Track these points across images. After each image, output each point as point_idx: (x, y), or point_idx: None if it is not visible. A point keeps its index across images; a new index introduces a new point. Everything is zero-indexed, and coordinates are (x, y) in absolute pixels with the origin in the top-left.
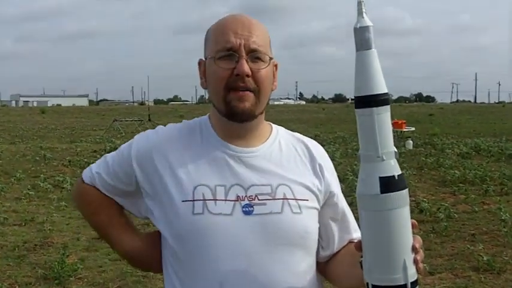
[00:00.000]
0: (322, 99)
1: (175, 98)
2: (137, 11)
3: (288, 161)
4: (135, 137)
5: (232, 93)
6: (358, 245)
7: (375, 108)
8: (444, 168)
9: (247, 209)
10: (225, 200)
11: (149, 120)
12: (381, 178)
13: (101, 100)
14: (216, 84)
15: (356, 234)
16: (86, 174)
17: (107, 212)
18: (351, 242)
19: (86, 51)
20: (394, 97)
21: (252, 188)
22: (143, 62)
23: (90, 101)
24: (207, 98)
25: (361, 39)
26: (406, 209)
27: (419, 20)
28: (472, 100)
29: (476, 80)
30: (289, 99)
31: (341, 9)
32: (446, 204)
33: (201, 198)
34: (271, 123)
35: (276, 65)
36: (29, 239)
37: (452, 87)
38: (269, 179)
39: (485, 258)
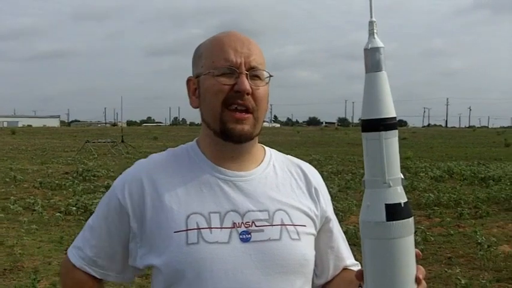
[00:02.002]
0: (297, 122)
1: (149, 120)
2: (111, 32)
3: (283, 185)
4: (115, 182)
5: (230, 112)
6: (360, 274)
7: (383, 133)
8: (418, 191)
9: (244, 236)
10: (221, 228)
11: (122, 141)
12: (387, 205)
13: (72, 121)
14: (212, 99)
15: (350, 261)
16: (75, 255)
17: None
18: (345, 269)
19: (58, 72)
20: None
21: (248, 214)
22: (116, 83)
23: (62, 122)
24: (180, 119)
25: (372, 60)
26: (411, 238)
27: (394, 44)
28: (443, 124)
29: (447, 104)
30: (263, 121)
31: (316, 34)
32: (422, 227)
33: (195, 227)
34: (264, 146)
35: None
36: None
37: (424, 111)
38: (265, 204)
39: (463, 282)
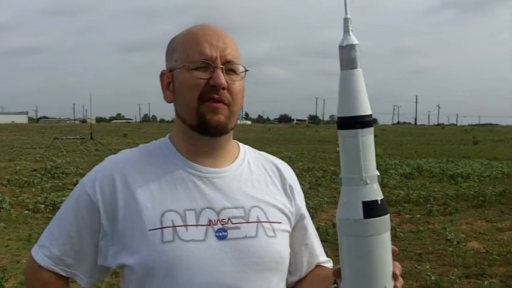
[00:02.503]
0: (268, 119)
1: (119, 116)
2: (82, 28)
3: (258, 181)
4: (84, 178)
5: (206, 104)
6: (337, 272)
7: (359, 130)
8: (388, 188)
9: (220, 233)
10: (197, 225)
11: (91, 138)
12: (364, 203)
13: (41, 117)
14: (188, 93)
15: (323, 258)
16: (40, 254)
17: None
18: (318, 266)
19: (27, 68)
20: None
21: (224, 211)
22: (86, 80)
23: (30, 119)
24: (151, 116)
25: (347, 57)
26: (387, 235)
27: (368, 42)
28: (413, 122)
29: (416, 102)
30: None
31: (288, 31)
32: (392, 224)
33: (171, 225)
34: (238, 142)
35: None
36: None
37: (394, 109)
38: (241, 201)
39: (432, 278)
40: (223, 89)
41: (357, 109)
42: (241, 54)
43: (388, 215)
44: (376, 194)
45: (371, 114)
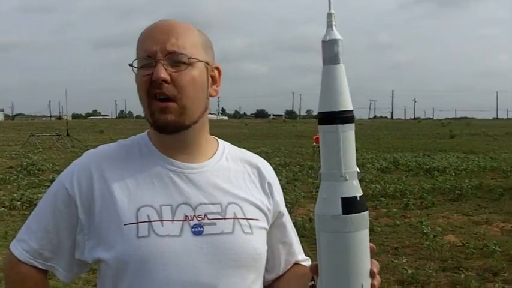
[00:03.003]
0: (245, 114)
1: (95, 113)
2: (57, 24)
3: (236, 178)
4: (63, 173)
5: (155, 103)
6: (314, 268)
7: (340, 126)
8: (365, 183)
9: (196, 229)
10: (173, 221)
11: (67, 135)
12: (342, 198)
13: (16, 114)
14: (140, 93)
15: (301, 256)
16: (19, 248)
17: None
18: (295, 264)
19: (2, 65)
20: (315, 113)
21: (201, 207)
22: (61, 76)
23: (6, 116)
24: (127, 112)
25: (329, 52)
26: (366, 232)
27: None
28: (389, 116)
29: (393, 96)
30: (211, 114)
31: (263, 27)
32: (369, 218)
33: (146, 220)
34: (218, 138)
35: (217, 68)
36: None
37: (370, 103)
38: (218, 197)
39: (409, 272)
40: (166, 82)
41: (338, 104)
42: (217, 50)
43: (367, 211)
44: (355, 190)
45: (352, 110)
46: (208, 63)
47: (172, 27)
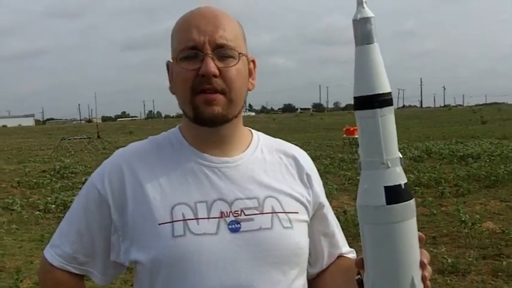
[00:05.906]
0: (272, 109)
1: (124, 114)
2: (84, 27)
3: (273, 170)
4: (93, 173)
5: (200, 96)
6: (360, 262)
7: (378, 110)
8: None
9: (233, 226)
10: (208, 218)
11: (98, 137)
12: (386, 188)
13: (47, 119)
14: (181, 87)
15: (345, 248)
16: (52, 254)
17: None
18: (340, 256)
19: (32, 70)
20: (342, 105)
21: (237, 203)
22: (90, 79)
23: (37, 121)
24: (155, 113)
25: (362, 32)
26: (413, 221)
27: None
28: (418, 105)
29: (421, 84)
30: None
31: (289, 21)
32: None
33: (181, 219)
34: (251, 129)
35: (253, 61)
36: None
37: (399, 93)
38: (254, 192)
39: (449, 261)
40: (215, 76)
41: (375, 87)
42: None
43: (413, 199)
44: (399, 177)
45: (390, 92)
46: (247, 56)
47: (217, 18)
